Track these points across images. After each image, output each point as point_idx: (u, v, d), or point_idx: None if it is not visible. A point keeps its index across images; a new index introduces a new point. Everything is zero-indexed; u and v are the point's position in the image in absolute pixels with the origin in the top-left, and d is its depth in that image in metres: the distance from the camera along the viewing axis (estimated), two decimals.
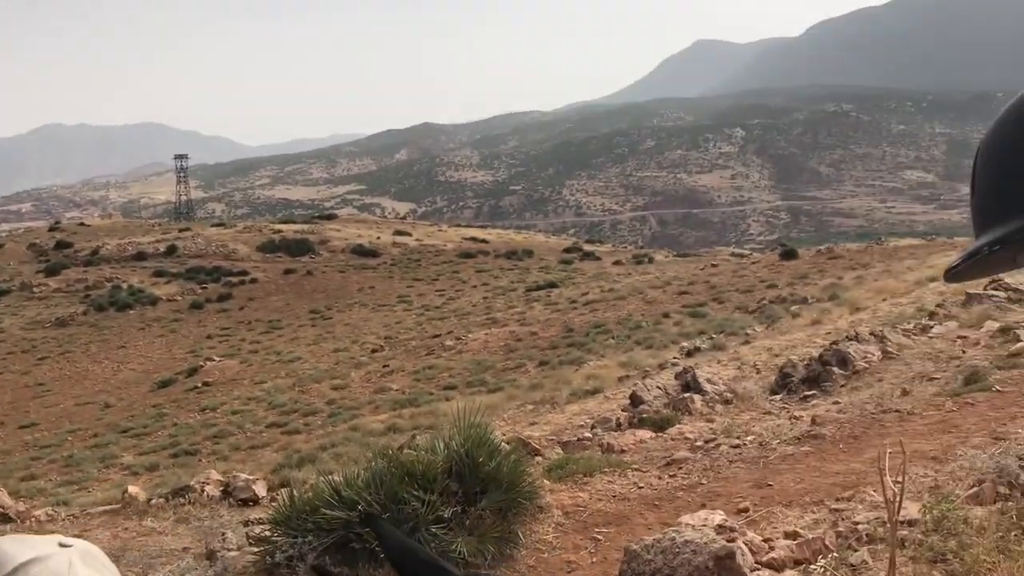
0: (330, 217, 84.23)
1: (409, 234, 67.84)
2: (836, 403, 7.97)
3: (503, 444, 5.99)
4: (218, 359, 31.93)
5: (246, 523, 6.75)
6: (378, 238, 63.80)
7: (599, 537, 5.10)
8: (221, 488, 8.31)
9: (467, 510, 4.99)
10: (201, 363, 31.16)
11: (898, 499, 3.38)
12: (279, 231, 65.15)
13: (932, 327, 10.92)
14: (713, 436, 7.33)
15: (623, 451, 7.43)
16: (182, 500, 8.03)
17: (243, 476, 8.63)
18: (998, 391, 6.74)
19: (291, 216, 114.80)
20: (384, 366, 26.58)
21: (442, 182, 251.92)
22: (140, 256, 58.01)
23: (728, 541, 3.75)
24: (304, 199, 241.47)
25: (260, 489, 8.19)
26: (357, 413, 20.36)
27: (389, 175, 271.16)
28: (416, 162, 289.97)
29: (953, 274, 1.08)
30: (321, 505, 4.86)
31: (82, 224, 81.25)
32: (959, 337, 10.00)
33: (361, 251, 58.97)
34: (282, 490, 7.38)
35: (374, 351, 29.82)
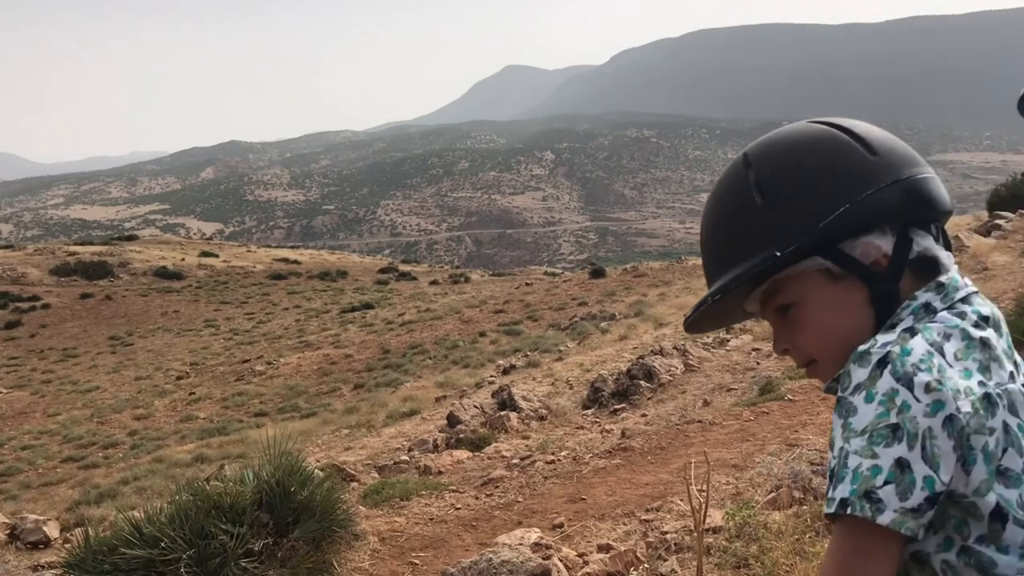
0: (131, 238, 79.86)
1: (216, 255, 65.34)
2: (644, 415, 8.26)
3: (316, 471, 5.81)
4: (5, 391, 29.53)
5: (35, 568, 6.24)
6: (183, 260, 61.10)
7: (416, 562, 5.03)
8: (7, 531, 7.64)
9: (279, 541, 4.80)
10: None
11: (703, 507, 3.52)
12: (75, 253, 61.13)
13: (729, 340, 11.55)
14: (529, 453, 7.42)
15: (440, 472, 7.39)
16: None
17: (32, 517, 7.96)
18: (790, 400, 7.18)
19: (88, 237, 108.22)
20: (190, 393, 25.43)
21: (251, 201, 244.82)
22: None
23: (544, 559, 3.78)
24: (103, 219, 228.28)
25: (52, 530, 7.58)
26: (162, 444, 19.35)
27: (195, 194, 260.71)
28: (223, 181, 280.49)
29: (689, 324, 1.25)
30: (120, 544, 4.54)
31: None
32: (753, 349, 10.63)
33: (165, 274, 56.25)
34: (77, 530, 6.87)
35: (179, 378, 28.48)
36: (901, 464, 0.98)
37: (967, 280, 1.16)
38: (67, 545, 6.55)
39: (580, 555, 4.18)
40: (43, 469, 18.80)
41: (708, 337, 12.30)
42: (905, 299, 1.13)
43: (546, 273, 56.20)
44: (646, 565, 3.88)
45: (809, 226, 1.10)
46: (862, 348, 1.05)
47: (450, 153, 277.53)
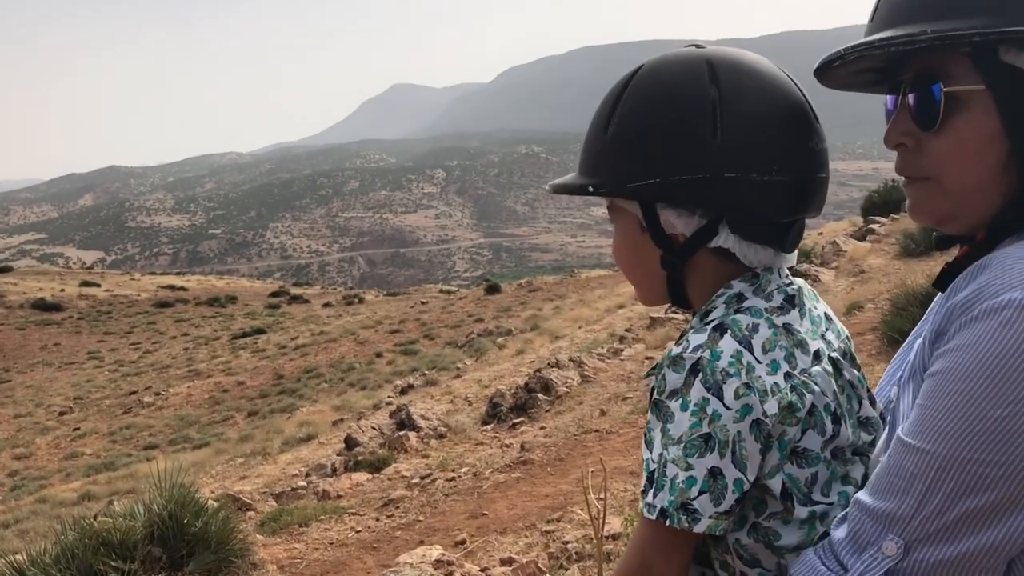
0: (5, 270, 76.10)
1: (98, 285, 62.92)
2: (543, 428, 8.33)
3: (211, 502, 5.66)
4: None
5: None
6: (62, 290, 58.59)
7: None
8: None
9: (173, 575, 4.65)
10: None
11: (602, 515, 3.57)
12: None
13: (623, 350, 11.76)
14: (429, 471, 7.39)
15: (340, 496, 7.29)
16: None
17: None
18: None
19: None
20: (75, 429, 24.38)
21: (133, 228, 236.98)
22: None
23: (446, 575, 3.78)
24: None
25: None
26: (45, 483, 18.49)
27: (72, 222, 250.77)
28: (103, 207, 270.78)
29: (553, 190, 1.29)
30: None
31: None
32: (646, 358, 10.85)
33: (43, 305, 53.81)
34: None
35: (62, 414, 27.27)
36: (714, 473, 1.04)
37: (785, 273, 1.20)
38: None
39: (483, 570, 4.19)
40: None
41: (603, 348, 12.50)
42: (707, 276, 1.18)
43: (441, 291, 56.13)
44: (548, 575, 3.92)
45: (623, 180, 1.14)
46: (676, 351, 1.09)
47: (339, 173, 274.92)
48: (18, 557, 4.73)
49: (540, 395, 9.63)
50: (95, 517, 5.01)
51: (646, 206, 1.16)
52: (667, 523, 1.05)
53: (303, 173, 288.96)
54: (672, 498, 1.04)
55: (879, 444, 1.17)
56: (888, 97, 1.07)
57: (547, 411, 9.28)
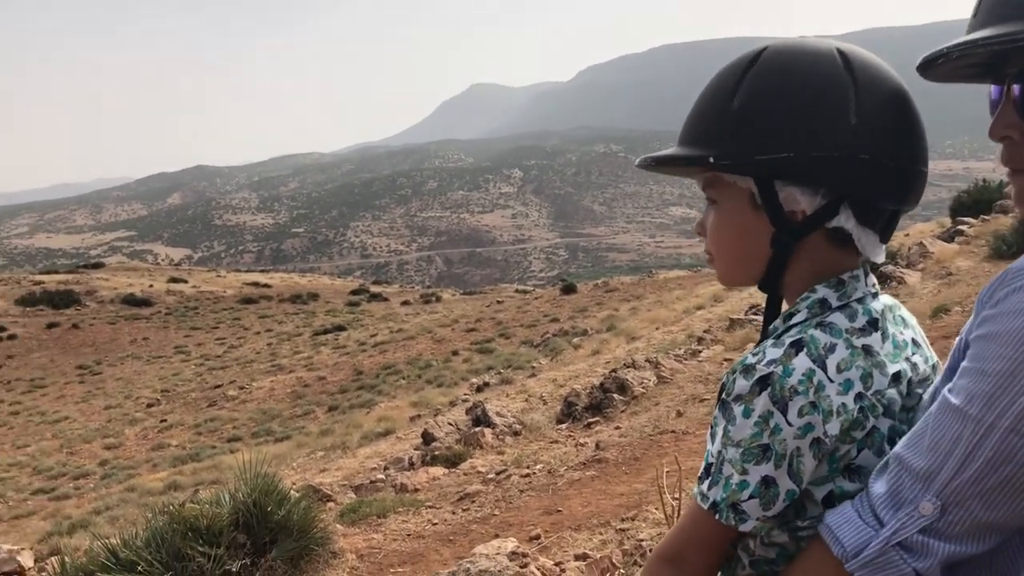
0: (97, 266, 78.99)
1: (185, 281, 64.82)
2: (618, 428, 8.32)
3: (293, 492, 5.82)
4: None
5: None
6: (151, 286, 60.53)
7: None
8: None
9: (257, 562, 4.81)
10: None
11: (677, 514, 3.58)
12: (40, 282, 60.36)
13: (701, 351, 11.66)
14: (504, 467, 7.46)
15: (417, 489, 7.41)
16: None
17: (6, 547, 7.88)
18: None
19: (54, 266, 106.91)
20: (162, 421, 25.19)
21: (219, 226, 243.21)
22: None
23: (521, 567, 3.83)
24: (68, 247, 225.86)
25: (26, 559, 7.51)
26: (133, 472, 19.15)
27: (161, 220, 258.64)
28: (191, 206, 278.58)
29: (641, 163, 1.29)
30: (96, 570, 4.53)
31: None
32: (725, 359, 10.74)
33: (133, 301, 55.69)
34: (52, 558, 6.80)
35: (150, 406, 28.20)
36: (767, 481, 1.08)
37: (871, 279, 1.22)
38: (42, 574, 6.50)
39: (557, 564, 4.23)
40: (13, 502, 18.53)
41: (680, 349, 12.42)
42: (812, 260, 1.18)
43: (517, 291, 56.30)
44: (622, 571, 3.94)
45: (750, 153, 1.14)
46: (750, 360, 1.12)
47: (418, 173, 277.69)
48: (112, 540, 4.94)
49: (616, 395, 9.62)
50: (183, 504, 5.19)
51: (762, 182, 1.17)
52: (715, 516, 1.11)
53: (383, 173, 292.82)
54: (724, 495, 1.10)
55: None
56: (992, 87, 1.07)
57: (622, 411, 9.26)
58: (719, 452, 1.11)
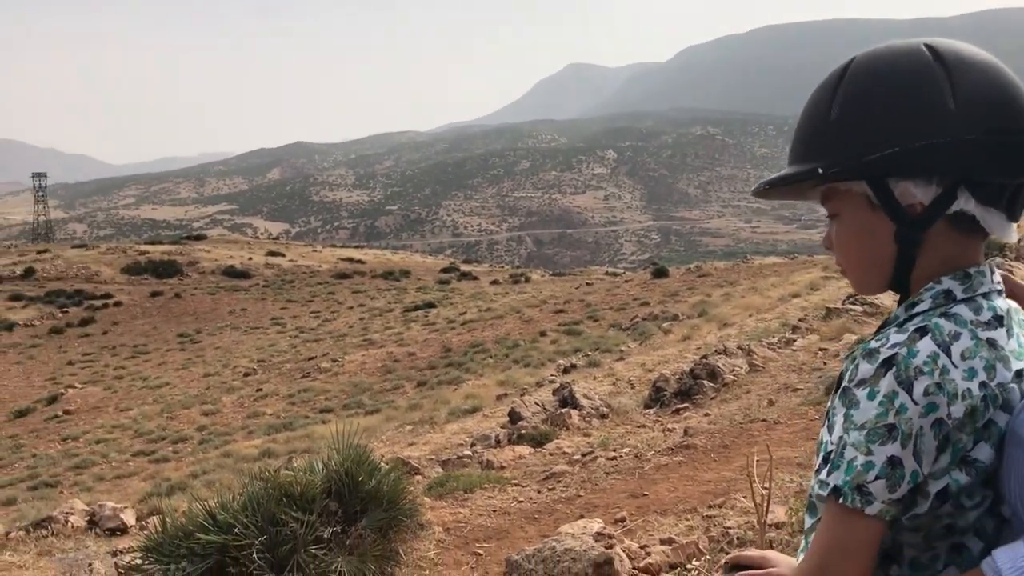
0: (199, 238, 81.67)
1: (283, 255, 66.51)
2: (707, 415, 8.24)
3: (383, 464, 5.94)
4: (80, 386, 30.51)
5: (114, 553, 6.48)
6: (250, 259, 62.31)
7: (480, 552, 5.12)
8: (86, 518, 7.94)
9: (347, 530, 4.92)
10: (62, 390, 29.68)
11: (766, 503, 3.53)
12: (145, 252, 62.76)
13: (795, 340, 11.43)
14: (590, 449, 7.47)
15: (503, 467, 7.48)
16: (44, 532, 7.62)
17: (110, 505, 8.26)
18: None
19: (158, 237, 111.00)
20: (257, 390, 25.95)
21: (316, 202, 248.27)
22: None
23: (606, 548, 3.84)
24: (172, 219, 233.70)
25: (129, 518, 7.86)
26: (229, 439, 19.80)
27: (261, 194, 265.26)
28: (289, 181, 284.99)
29: (756, 192, 1.33)
30: (195, 530, 4.71)
31: None
32: (820, 349, 10.51)
33: (232, 272, 57.46)
34: (152, 517, 7.09)
35: (246, 375, 29.08)
36: (893, 462, 1.08)
37: (996, 276, 1.22)
38: (143, 532, 6.79)
39: (642, 547, 4.22)
40: (116, 462, 19.38)
41: (774, 337, 12.19)
42: (940, 250, 1.19)
43: (607, 273, 56.02)
44: (708, 557, 3.91)
45: (857, 156, 1.16)
46: (873, 345, 1.14)
47: (511, 153, 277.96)
48: (210, 503, 5.12)
49: (706, 382, 9.52)
50: (278, 471, 5.35)
51: (875, 182, 1.18)
52: (840, 501, 1.10)
53: (476, 152, 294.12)
54: (848, 478, 1.10)
55: None
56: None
57: (712, 398, 9.16)
58: (840, 438, 1.12)
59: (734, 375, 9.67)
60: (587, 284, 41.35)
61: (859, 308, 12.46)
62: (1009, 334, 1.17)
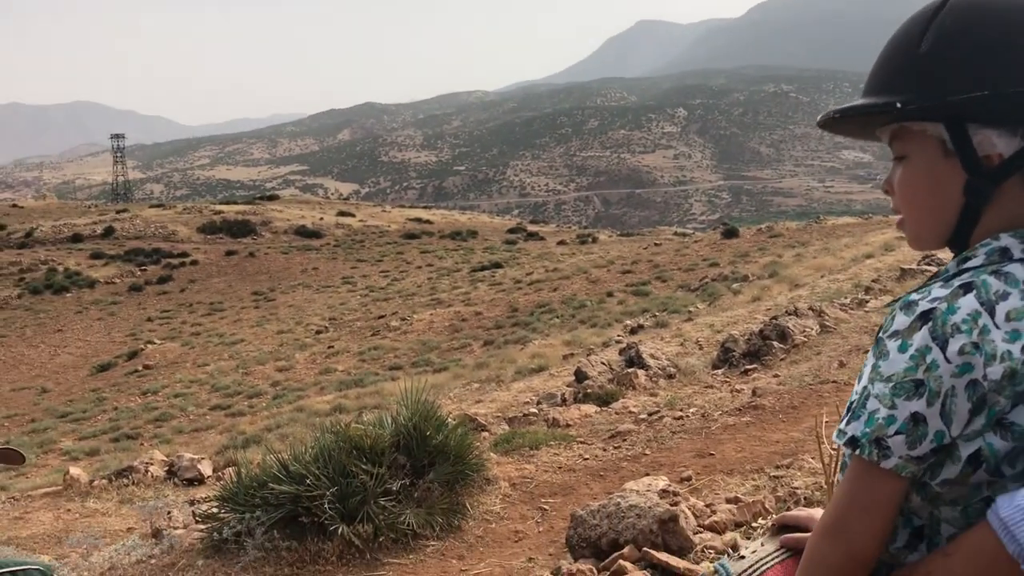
0: (272, 198, 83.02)
1: (353, 215, 67.29)
2: (776, 376, 8.15)
3: (450, 420, 6.04)
4: (159, 342, 31.49)
5: (192, 502, 6.71)
6: (321, 219, 63.19)
7: (546, 507, 5.18)
8: (165, 468, 8.24)
9: (415, 483, 5.03)
10: (141, 346, 30.69)
11: (835, 463, 3.50)
12: (220, 212, 64.10)
13: (868, 302, 11.22)
14: (656, 409, 7.46)
15: (568, 425, 7.52)
16: (125, 481, 7.94)
17: (188, 456, 8.56)
18: None
19: (232, 197, 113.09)
20: (329, 347, 26.46)
21: (385, 162, 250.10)
22: (76, 238, 56.57)
23: (672, 505, 3.85)
24: (245, 180, 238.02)
25: (206, 468, 8.13)
26: (302, 394, 20.27)
27: (331, 155, 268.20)
28: (359, 142, 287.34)
29: (821, 122, 1.26)
30: (269, 480, 4.86)
31: (15, 206, 78.87)
32: None
33: (304, 232, 58.40)
34: (228, 468, 7.32)
35: (318, 332, 29.65)
36: (916, 418, 1.04)
37: None
38: (220, 482, 7.02)
39: (708, 505, 4.22)
40: (193, 416, 20.02)
41: (846, 298, 11.97)
42: (1008, 208, 1.13)
43: (676, 233, 55.46)
44: (774, 515, 3.90)
45: (942, 94, 1.10)
46: (914, 297, 1.08)
47: (579, 112, 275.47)
48: (283, 455, 5.28)
49: (775, 343, 9.41)
50: (348, 425, 5.47)
51: (954, 126, 1.12)
52: (855, 451, 1.07)
53: (544, 111, 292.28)
54: (867, 430, 1.07)
55: None
56: None
57: (782, 359, 9.06)
58: (864, 388, 1.09)
59: (804, 336, 9.54)
60: (655, 244, 41.03)
61: (935, 268, 12.14)
62: None
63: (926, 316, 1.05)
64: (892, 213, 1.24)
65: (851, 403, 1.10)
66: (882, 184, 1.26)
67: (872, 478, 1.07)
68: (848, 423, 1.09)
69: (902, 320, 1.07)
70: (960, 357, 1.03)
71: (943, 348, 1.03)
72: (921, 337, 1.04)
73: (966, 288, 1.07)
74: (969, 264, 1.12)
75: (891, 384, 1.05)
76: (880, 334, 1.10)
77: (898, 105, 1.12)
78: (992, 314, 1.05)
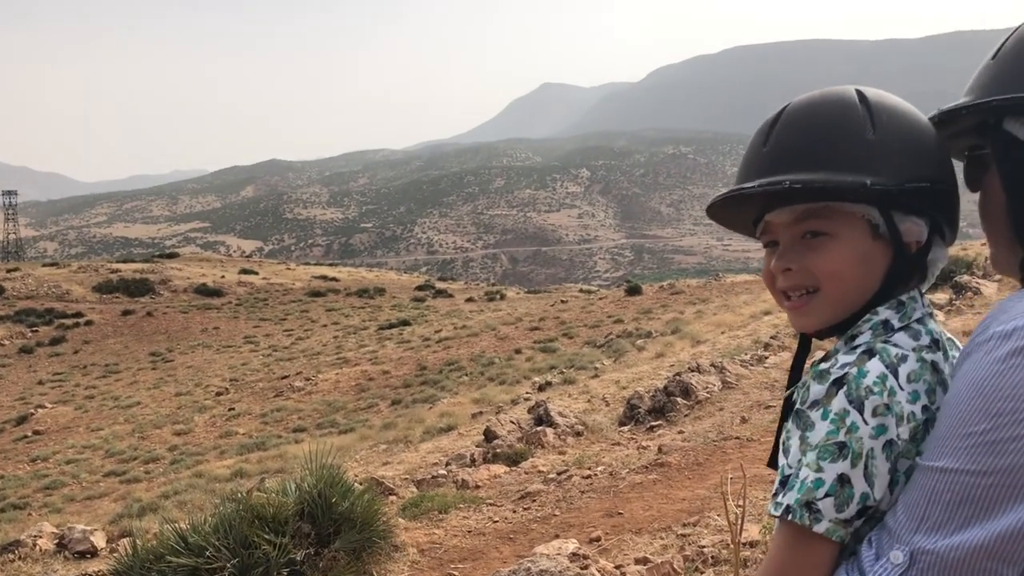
0: (172, 256, 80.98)
1: (256, 273, 66.10)
2: (681, 432, 8.26)
3: (356, 484, 5.90)
4: (50, 406, 30.09)
5: None
6: (223, 277, 61.87)
7: (455, 573, 5.09)
8: (55, 541, 7.81)
9: (320, 552, 4.88)
10: (31, 410, 29.26)
11: (740, 522, 3.54)
12: (117, 270, 62.12)
13: (767, 357, 11.50)
14: (565, 468, 7.45)
15: (478, 486, 7.45)
16: (11, 556, 7.49)
17: (80, 527, 8.13)
18: None
19: (130, 255, 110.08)
20: (230, 409, 25.71)
21: (290, 219, 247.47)
22: None
23: (581, 569, 3.82)
24: (144, 237, 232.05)
25: (99, 540, 7.74)
26: (201, 459, 19.58)
27: (234, 212, 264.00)
28: (263, 199, 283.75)
29: (712, 205, 1.36)
30: (166, 553, 4.65)
31: None
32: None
33: (205, 290, 57.03)
34: (123, 540, 6.99)
35: (219, 394, 28.81)
36: (842, 479, 1.07)
37: (926, 301, 1.24)
38: (114, 554, 6.69)
39: (617, 567, 4.21)
40: (86, 483, 19.10)
41: (746, 354, 12.25)
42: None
43: (582, 291, 56.12)
44: None
45: (896, 179, 1.16)
46: (823, 366, 1.13)
47: (486, 171, 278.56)
48: (181, 525, 5.06)
49: (679, 399, 9.54)
50: (250, 492, 5.30)
51: (885, 212, 1.18)
52: (788, 518, 1.09)
53: (451, 170, 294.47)
54: (799, 496, 1.09)
55: None
56: None
57: (686, 415, 9.18)
58: (798, 461, 1.11)
59: (707, 392, 9.71)
60: (562, 301, 41.41)
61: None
62: (946, 357, 1.19)
63: (840, 382, 1.09)
64: (793, 293, 1.24)
65: (785, 476, 1.13)
66: (775, 264, 1.25)
67: (803, 544, 1.09)
68: (783, 495, 1.11)
69: (818, 389, 1.11)
70: (875, 419, 1.07)
71: (860, 410, 1.07)
72: (838, 402, 1.08)
73: (869, 353, 1.12)
74: (858, 341, 1.17)
75: (817, 450, 1.08)
76: (798, 406, 1.13)
77: (867, 183, 1.15)
78: (896, 375, 1.10)
